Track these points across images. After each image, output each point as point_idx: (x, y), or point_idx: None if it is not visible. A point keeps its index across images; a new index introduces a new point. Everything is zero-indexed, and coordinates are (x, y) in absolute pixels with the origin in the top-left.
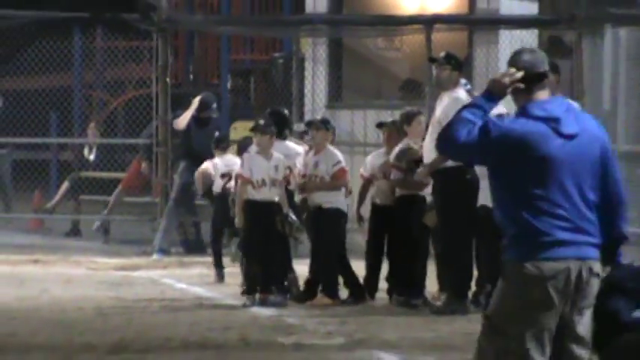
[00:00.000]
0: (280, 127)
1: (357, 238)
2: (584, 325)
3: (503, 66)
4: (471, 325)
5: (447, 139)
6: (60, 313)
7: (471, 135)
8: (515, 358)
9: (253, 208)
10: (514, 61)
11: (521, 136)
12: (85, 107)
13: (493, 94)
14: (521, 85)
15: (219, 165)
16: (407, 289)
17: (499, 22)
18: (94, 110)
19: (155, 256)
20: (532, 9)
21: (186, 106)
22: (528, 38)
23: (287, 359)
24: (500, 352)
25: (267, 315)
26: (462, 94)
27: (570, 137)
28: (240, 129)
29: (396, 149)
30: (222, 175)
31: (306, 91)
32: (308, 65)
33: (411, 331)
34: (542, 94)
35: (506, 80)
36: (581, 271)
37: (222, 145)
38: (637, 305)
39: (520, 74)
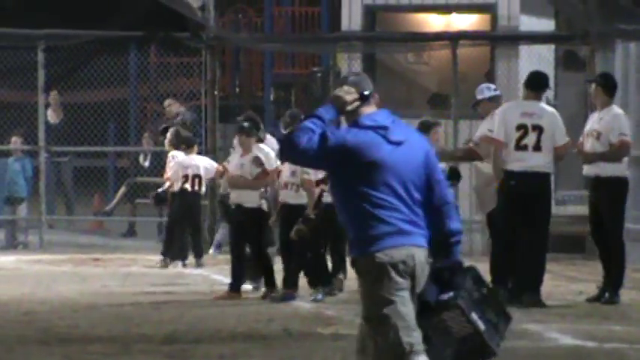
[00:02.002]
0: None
1: None
2: (413, 304)
3: (523, 78)
4: None
5: (289, 145)
6: (118, 307)
7: (311, 142)
8: (403, 331)
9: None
10: (351, 82)
11: (356, 144)
12: (140, 118)
13: (334, 107)
14: (358, 104)
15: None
16: None
17: (519, 38)
18: (149, 121)
19: (211, 252)
20: (549, 26)
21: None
22: (546, 53)
23: (326, 348)
24: (392, 332)
25: (308, 308)
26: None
27: (398, 144)
28: None
29: None
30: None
31: None
32: None
33: None
34: (370, 109)
35: (348, 98)
36: (420, 258)
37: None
38: (443, 291)
39: (356, 95)
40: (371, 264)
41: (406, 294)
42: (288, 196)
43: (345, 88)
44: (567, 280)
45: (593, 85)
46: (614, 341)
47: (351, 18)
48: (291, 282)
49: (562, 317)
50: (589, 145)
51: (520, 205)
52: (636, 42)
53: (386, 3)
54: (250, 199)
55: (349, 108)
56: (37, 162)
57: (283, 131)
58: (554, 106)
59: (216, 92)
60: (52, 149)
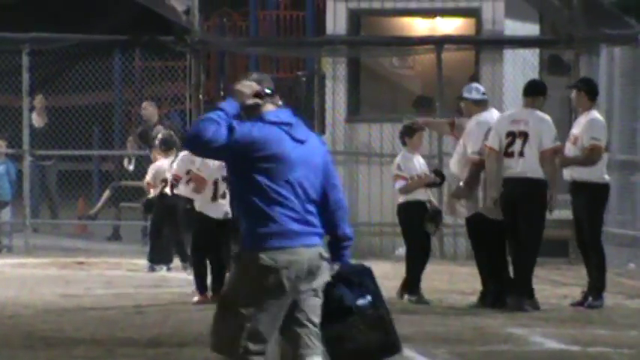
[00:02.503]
0: None
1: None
2: (312, 305)
3: (507, 82)
4: (479, 320)
5: (194, 136)
6: (102, 310)
7: (218, 133)
8: (248, 335)
9: None
10: (252, 79)
11: (261, 137)
12: (125, 122)
13: (235, 100)
14: (260, 101)
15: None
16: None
17: (503, 42)
18: (133, 125)
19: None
20: (534, 30)
21: None
22: (530, 57)
23: None
24: (236, 329)
25: None
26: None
27: (300, 142)
28: None
29: (397, 160)
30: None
31: (327, 106)
32: (328, 82)
33: (424, 326)
34: (272, 107)
35: (246, 91)
36: (312, 257)
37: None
38: (360, 295)
39: (256, 89)
40: (253, 262)
41: (280, 301)
42: None
43: (245, 82)
44: (552, 285)
45: (574, 91)
46: (598, 345)
47: (336, 22)
48: None
49: (546, 321)
50: (567, 149)
51: (510, 211)
52: (621, 46)
53: (371, 7)
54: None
55: (248, 102)
56: (21, 165)
57: None
58: None
59: (200, 96)
60: (37, 153)
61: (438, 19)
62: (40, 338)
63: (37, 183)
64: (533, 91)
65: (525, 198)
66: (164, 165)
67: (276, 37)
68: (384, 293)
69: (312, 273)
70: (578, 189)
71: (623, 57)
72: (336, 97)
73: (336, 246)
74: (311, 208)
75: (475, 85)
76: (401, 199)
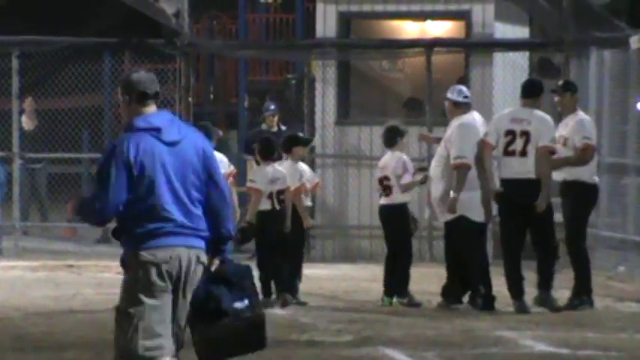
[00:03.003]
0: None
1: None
2: (185, 308)
3: (497, 85)
4: (469, 323)
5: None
6: (92, 313)
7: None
8: (143, 333)
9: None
10: (130, 79)
11: (132, 146)
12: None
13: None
14: (126, 97)
15: None
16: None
17: (493, 45)
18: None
19: None
20: (524, 33)
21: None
22: (520, 60)
23: (300, 355)
24: (131, 330)
25: (282, 314)
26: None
27: (172, 144)
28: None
29: (396, 159)
30: None
31: (316, 109)
32: (318, 85)
33: (414, 329)
34: (150, 110)
35: (119, 97)
36: (190, 258)
37: None
38: (238, 298)
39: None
40: (135, 260)
41: (164, 297)
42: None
43: (119, 89)
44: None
45: (558, 95)
46: (588, 348)
47: (326, 25)
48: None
49: (536, 324)
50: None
51: (516, 212)
52: (611, 49)
53: (360, 10)
54: None
55: (121, 110)
56: (10, 168)
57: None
58: None
59: (190, 99)
60: (26, 156)
61: (428, 22)
62: (29, 341)
63: (27, 186)
64: (532, 92)
65: (532, 199)
66: None
67: (266, 40)
68: (374, 296)
69: (187, 275)
70: (568, 189)
71: (613, 60)
72: (325, 100)
73: (218, 242)
74: (193, 209)
75: (460, 87)
76: (386, 201)
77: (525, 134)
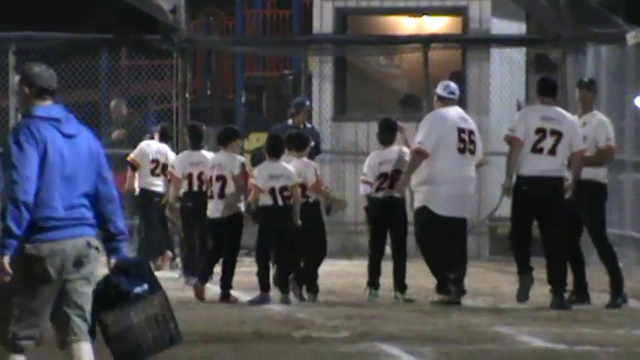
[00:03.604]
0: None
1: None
2: (82, 292)
3: (494, 80)
4: (466, 319)
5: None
6: None
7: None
8: (17, 321)
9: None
10: (32, 72)
11: (32, 133)
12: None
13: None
14: (25, 90)
15: None
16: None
17: (490, 41)
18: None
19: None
20: (521, 29)
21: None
22: (517, 56)
23: (297, 351)
24: (7, 316)
25: (279, 310)
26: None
27: (70, 137)
28: (252, 140)
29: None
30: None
31: (313, 105)
32: (315, 81)
33: (411, 325)
34: (47, 103)
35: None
36: (79, 247)
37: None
38: (137, 283)
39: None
40: (20, 253)
41: (45, 288)
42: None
43: (19, 80)
44: (539, 283)
45: (582, 89)
46: (584, 344)
47: (323, 21)
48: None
49: (533, 320)
50: None
51: (534, 210)
52: (607, 45)
53: (357, 6)
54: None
55: (18, 101)
56: None
57: (290, 122)
58: (522, 108)
59: (187, 95)
60: None
61: (425, 17)
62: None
63: None
64: (554, 90)
65: (552, 196)
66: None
67: (263, 36)
68: None
69: (80, 262)
70: (581, 188)
71: (609, 56)
72: (322, 96)
73: (111, 241)
74: (83, 201)
75: (448, 82)
76: (379, 195)
77: (557, 133)
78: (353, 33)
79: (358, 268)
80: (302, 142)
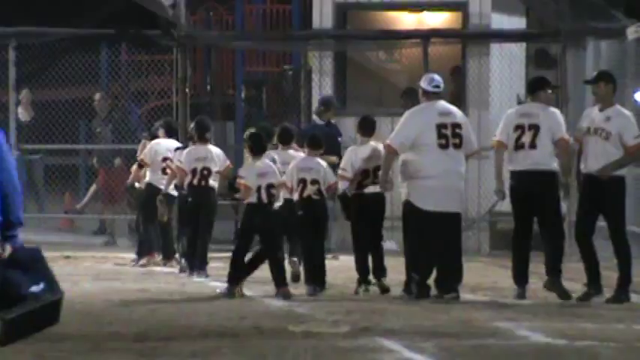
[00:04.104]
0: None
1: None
2: None
3: (494, 75)
4: (466, 314)
5: None
6: (89, 305)
7: None
8: None
9: None
10: None
11: None
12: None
13: None
14: None
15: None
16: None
17: (490, 36)
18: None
19: None
20: (520, 24)
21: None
22: (517, 51)
23: (297, 346)
24: None
25: (279, 305)
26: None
27: None
28: None
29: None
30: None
31: (313, 100)
32: (315, 76)
33: (411, 320)
34: None
35: None
36: None
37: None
38: (34, 281)
39: None
40: None
41: None
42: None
43: None
44: (539, 278)
45: (601, 83)
46: (585, 339)
47: (323, 16)
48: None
49: (534, 315)
50: (598, 145)
51: (528, 205)
52: (607, 40)
53: (357, 1)
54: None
55: None
56: None
57: (318, 120)
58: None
59: (187, 90)
60: (23, 147)
61: (425, 12)
62: None
63: (24, 177)
64: (534, 87)
65: (541, 189)
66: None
67: (263, 31)
68: (371, 287)
69: None
70: (604, 184)
71: (609, 50)
72: (322, 91)
73: (8, 229)
74: None
75: (432, 75)
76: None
77: (534, 127)
78: (353, 28)
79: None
80: (319, 142)
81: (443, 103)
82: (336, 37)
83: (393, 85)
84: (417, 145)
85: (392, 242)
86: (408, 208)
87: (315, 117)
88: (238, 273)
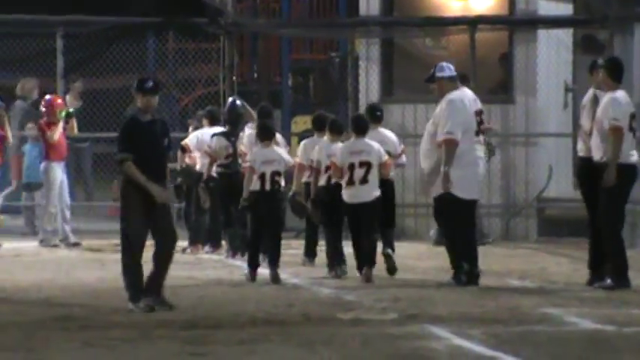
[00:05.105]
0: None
1: None
2: None
3: (541, 62)
4: (514, 300)
5: None
6: None
7: None
8: None
9: None
10: None
11: None
12: (158, 104)
13: None
14: None
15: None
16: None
17: (537, 22)
18: (167, 107)
19: None
20: (567, 10)
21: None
22: (564, 37)
23: (345, 333)
24: None
25: (327, 293)
26: None
27: None
28: (300, 123)
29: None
30: None
31: (360, 87)
32: (362, 63)
33: (459, 307)
34: None
35: None
36: None
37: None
38: None
39: None
40: None
41: None
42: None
43: None
44: (587, 265)
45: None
46: (633, 325)
47: (369, 2)
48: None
49: (581, 301)
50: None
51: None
52: None
53: None
54: None
55: None
56: None
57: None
58: (572, 90)
59: (234, 78)
60: (71, 135)
61: None
62: (75, 321)
63: (72, 165)
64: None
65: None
66: None
67: (309, 18)
68: (419, 274)
69: None
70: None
71: None
72: (369, 78)
73: None
74: None
75: (446, 63)
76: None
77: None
78: (399, 15)
79: (406, 249)
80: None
81: (468, 90)
82: (383, 23)
83: None
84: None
85: (433, 230)
86: (452, 199)
87: None
88: (255, 258)
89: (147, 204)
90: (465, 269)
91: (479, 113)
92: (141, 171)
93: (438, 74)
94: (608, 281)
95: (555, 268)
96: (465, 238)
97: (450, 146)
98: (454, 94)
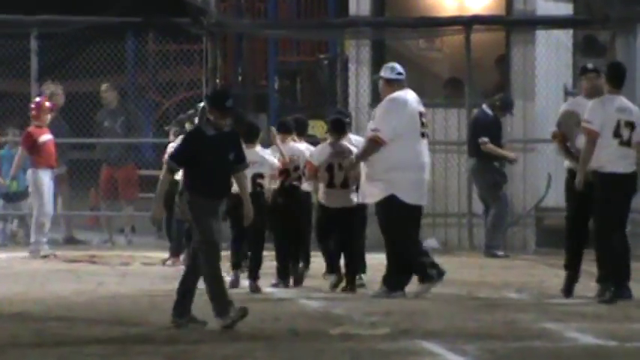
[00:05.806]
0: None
1: None
2: None
3: (540, 64)
4: (511, 314)
5: None
6: (115, 306)
7: None
8: None
9: None
10: None
11: None
12: (138, 108)
13: None
14: None
15: None
16: None
17: (536, 23)
18: (147, 111)
19: None
20: (567, 10)
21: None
22: (564, 38)
23: (334, 349)
24: None
25: (315, 306)
26: None
27: None
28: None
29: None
30: None
31: (350, 90)
32: (352, 66)
33: (453, 321)
34: None
35: None
36: None
37: None
38: None
39: None
40: None
41: None
42: None
43: None
44: (588, 277)
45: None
46: (635, 340)
47: (359, 2)
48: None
49: (582, 316)
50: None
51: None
52: None
53: None
54: None
55: None
56: None
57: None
58: (572, 94)
59: (217, 81)
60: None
61: None
62: (50, 336)
63: None
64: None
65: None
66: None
67: (297, 18)
68: (412, 286)
69: None
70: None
71: None
72: (359, 81)
73: None
74: None
75: (392, 64)
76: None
77: (630, 125)
78: (391, 15)
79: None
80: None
81: (412, 92)
82: (374, 24)
83: (434, 74)
84: (400, 135)
85: (432, 240)
86: (396, 202)
87: (485, 106)
88: (236, 260)
89: (216, 213)
90: (427, 263)
91: (420, 115)
92: (202, 184)
93: (381, 73)
94: (607, 294)
95: (554, 280)
96: (410, 240)
97: (372, 143)
98: (396, 94)
